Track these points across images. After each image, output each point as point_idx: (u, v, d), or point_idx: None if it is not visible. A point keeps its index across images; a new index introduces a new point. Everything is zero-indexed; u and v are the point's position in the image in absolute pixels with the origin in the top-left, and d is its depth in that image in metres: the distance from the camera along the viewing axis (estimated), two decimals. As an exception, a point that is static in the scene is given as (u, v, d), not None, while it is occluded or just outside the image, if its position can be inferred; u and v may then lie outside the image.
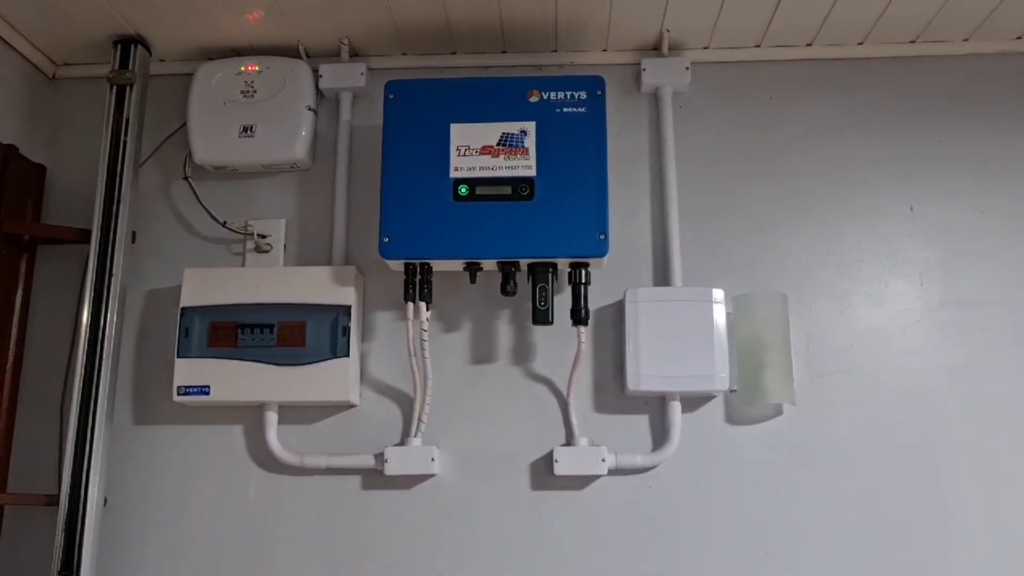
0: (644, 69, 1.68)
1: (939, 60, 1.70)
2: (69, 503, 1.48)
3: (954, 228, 1.64)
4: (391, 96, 1.56)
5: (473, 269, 1.54)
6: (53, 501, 1.49)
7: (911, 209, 1.65)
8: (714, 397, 1.58)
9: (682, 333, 1.52)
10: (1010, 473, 1.54)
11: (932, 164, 1.66)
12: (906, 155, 1.67)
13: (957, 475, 1.54)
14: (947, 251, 1.63)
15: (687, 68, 1.68)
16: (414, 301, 1.52)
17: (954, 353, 1.59)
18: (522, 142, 1.52)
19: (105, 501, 1.54)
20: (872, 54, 1.71)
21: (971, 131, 1.67)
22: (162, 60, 1.75)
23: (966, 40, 1.69)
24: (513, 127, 1.53)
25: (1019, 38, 1.69)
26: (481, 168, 1.52)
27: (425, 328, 1.53)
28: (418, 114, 1.54)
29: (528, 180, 1.51)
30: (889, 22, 1.63)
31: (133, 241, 1.64)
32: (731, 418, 1.58)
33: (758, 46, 1.71)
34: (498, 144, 1.52)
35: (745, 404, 1.56)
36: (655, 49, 1.72)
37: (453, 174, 1.51)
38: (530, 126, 1.53)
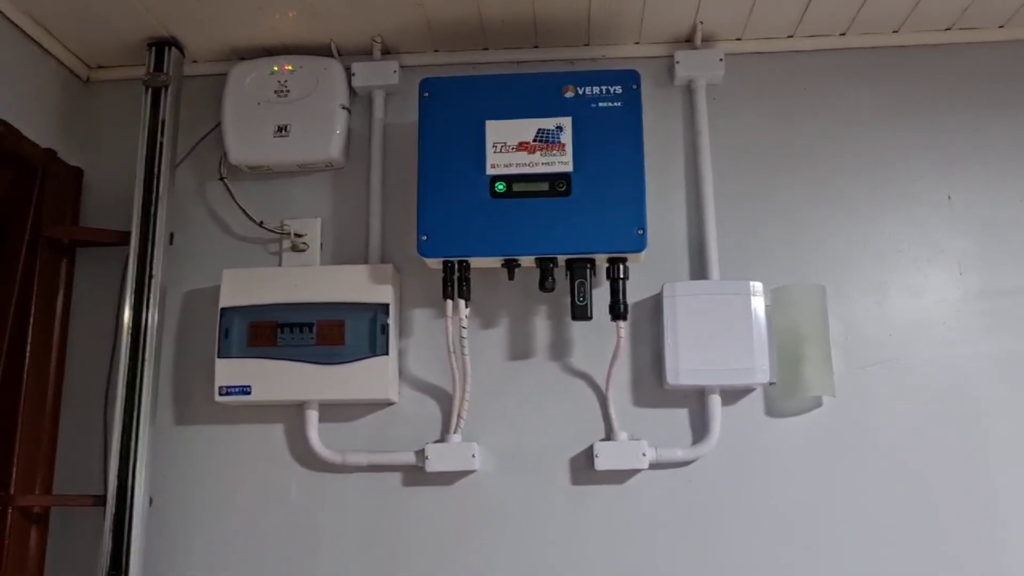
0: (677, 62, 1.68)
1: (975, 47, 1.69)
2: (116, 503, 1.50)
3: (993, 217, 1.63)
4: (426, 94, 1.56)
5: (511, 266, 1.54)
6: (100, 502, 1.51)
7: (949, 198, 1.64)
8: (753, 390, 1.58)
9: (720, 326, 1.52)
10: (1053, 463, 1.53)
11: (970, 153, 1.65)
12: (943, 144, 1.66)
13: (999, 466, 1.53)
14: (986, 240, 1.62)
15: (721, 60, 1.68)
16: (453, 298, 1.52)
17: (994, 343, 1.58)
18: (558, 138, 1.52)
19: (151, 501, 1.55)
20: (907, 42, 1.70)
21: (1009, 118, 1.66)
22: (195, 61, 1.76)
23: (1001, 27, 1.68)
24: (549, 123, 1.53)
25: (1056, 23, 1.68)
26: (518, 165, 1.52)
27: (464, 325, 1.53)
28: (454, 111, 1.54)
29: (565, 176, 1.51)
30: (924, 10, 1.62)
31: (171, 243, 1.65)
32: (771, 411, 1.58)
33: (792, 36, 1.71)
34: (534, 140, 1.52)
35: (785, 397, 1.56)
36: (688, 41, 1.71)
37: (490, 171, 1.52)
38: (566, 121, 1.53)
